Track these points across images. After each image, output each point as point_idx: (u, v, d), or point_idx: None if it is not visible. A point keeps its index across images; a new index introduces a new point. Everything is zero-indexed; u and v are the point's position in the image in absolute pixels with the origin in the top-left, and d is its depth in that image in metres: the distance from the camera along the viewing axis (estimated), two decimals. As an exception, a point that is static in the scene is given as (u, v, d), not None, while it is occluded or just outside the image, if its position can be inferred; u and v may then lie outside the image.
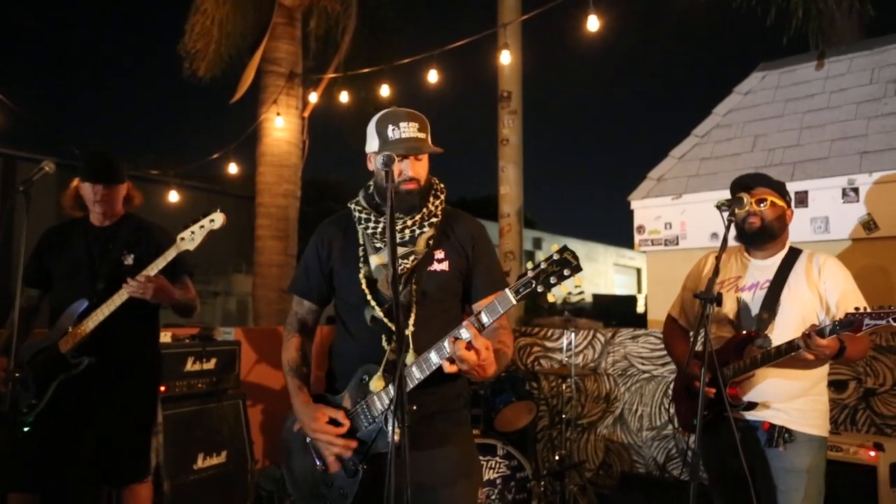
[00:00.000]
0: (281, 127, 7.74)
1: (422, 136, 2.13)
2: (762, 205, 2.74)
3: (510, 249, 6.93)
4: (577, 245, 26.47)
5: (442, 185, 2.30)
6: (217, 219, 3.04)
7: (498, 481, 4.23)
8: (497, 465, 4.24)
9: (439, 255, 2.20)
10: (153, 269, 3.04)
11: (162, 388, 4.00)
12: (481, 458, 4.20)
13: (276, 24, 7.84)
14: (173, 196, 8.01)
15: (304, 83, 8.07)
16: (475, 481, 2.31)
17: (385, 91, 7.19)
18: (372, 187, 2.29)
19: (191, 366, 4.27)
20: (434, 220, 2.21)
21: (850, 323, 2.36)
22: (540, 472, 4.86)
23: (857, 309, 2.40)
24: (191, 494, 4.07)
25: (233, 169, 8.20)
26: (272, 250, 7.76)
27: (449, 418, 2.22)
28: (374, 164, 2.20)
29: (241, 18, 8.06)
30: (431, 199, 2.23)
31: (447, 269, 2.20)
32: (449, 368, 1.93)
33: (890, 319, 2.31)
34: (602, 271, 28.15)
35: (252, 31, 8.14)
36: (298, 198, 8.06)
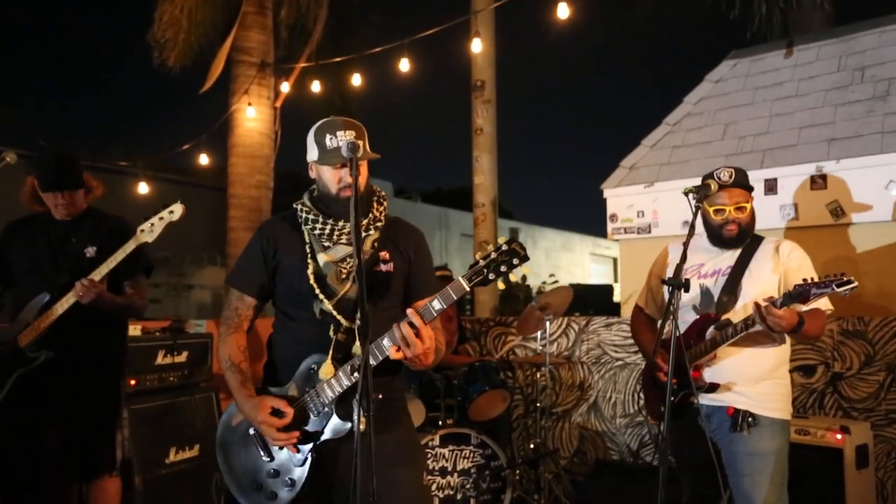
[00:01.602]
0: (253, 117, 7.66)
1: (359, 142, 2.17)
2: (741, 212, 2.78)
3: (485, 239, 6.93)
4: (553, 235, 26.53)
5: (384, 193, 2.39)
6: (176, 210, 3.02)
7: (472, 470, 4.24)
8: (471, 455, 4.25)
9: (385, 256, 2.30)
10: (112, 261, 3.01)
11: (132, 382, 3.96)
12: (455, 447, 4.21)
13: (247, 13, 7.75)
14: (143, 188, 7.90)
15: (276, 73, 7.99)
16: (418, 466, 2.43)
17: (357, 80, 7.13)
18: (316, 191, 2.36)
19: (162, 359, 4.22)
20: (379, 224, 2.31)
21: (799, 294, 2.45)
22: (515, 460, 4.88)
23: (804, 280, 2.45)
24: (163, 488, 4.03)
25: (204, 160, 8.10)
26: (245, 242, 7.66)
27: (391, 406, 2.30)
28: (316, 172, 2.30)
29: (211, 7, 7.96)
30: (375, 205, 2.32)
31: (392, 269, 2.30)
32: (395, 355, 2.04)
33: (833, 286, 2.40)
34: (578, 261, 28.23)
35: (222, 19, 8.05)
36: (271, 189, 8.00)
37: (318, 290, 2.22)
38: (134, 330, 4.14)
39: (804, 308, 2.58)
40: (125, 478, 3.73)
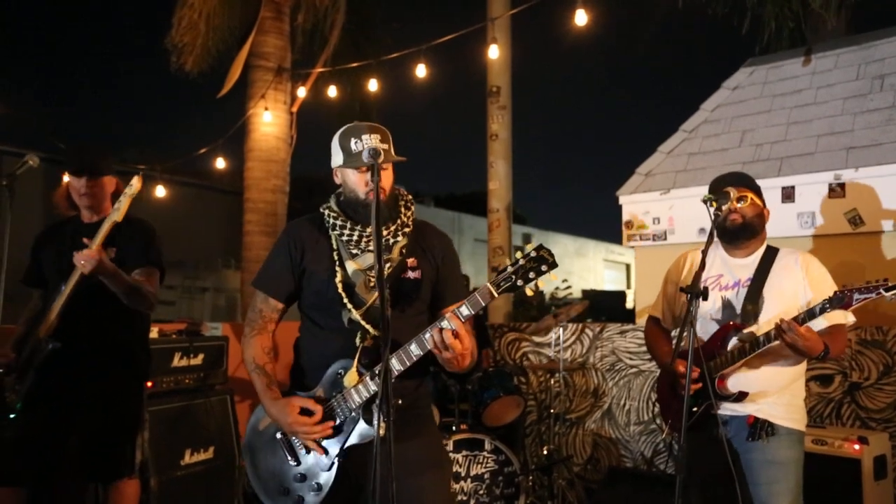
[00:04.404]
0: (269, 122, 7.69)
1: (384, 146, 2.18)
2: (742, 202, 2.76)
3: (499, 245, 6.93)
4: (567, 241, 26.49)
5: (410, 196, 2.37)
6: (134, 184, 3.00)
7: (486, 476, 4.23)
8: (485, 460, 4.25)
9: (412, 263, 2.29)
10: (93, 244, 2.94)
11: (148, 384, 3.99)
12: (469, 453, 4.21)
13: (264, 18, 7.80)
14: (160, 191, 7.97)
15: (293, 78, 8.04)
16: (445, 471, 2.40)
17: (373, 86, 7.16)
18: (343, 196, 2.34)
19: (178, 361, 4.25)
20: (406, 229, 2.30)
21: (841, 299, 2.41)
22: (528, 466, 4.87)
23: (843, 286, 2.43)
24: (178, 490, 4.05)
25: (220, 164, 8.16)
26: (260, 246, 7.72)
27: (416, 414, 2.31)
28: (342, 177, 2.30)
29: (229, 12, 8.00)
30: (403, 209, 2.31)
31: (419, 276, 2.29)
32: (445, 354, 2.04)
33: (881, 290, 2.35)
34: (592, 267, 28.17)
35: (240, 25, 8.09)
36: (287, 193, 8.03)
37: (346, 300, 2.22)
38: (150, 332, 4.17)
39: (848, 318, 2.57)
40: (141, 479, 3.75)
